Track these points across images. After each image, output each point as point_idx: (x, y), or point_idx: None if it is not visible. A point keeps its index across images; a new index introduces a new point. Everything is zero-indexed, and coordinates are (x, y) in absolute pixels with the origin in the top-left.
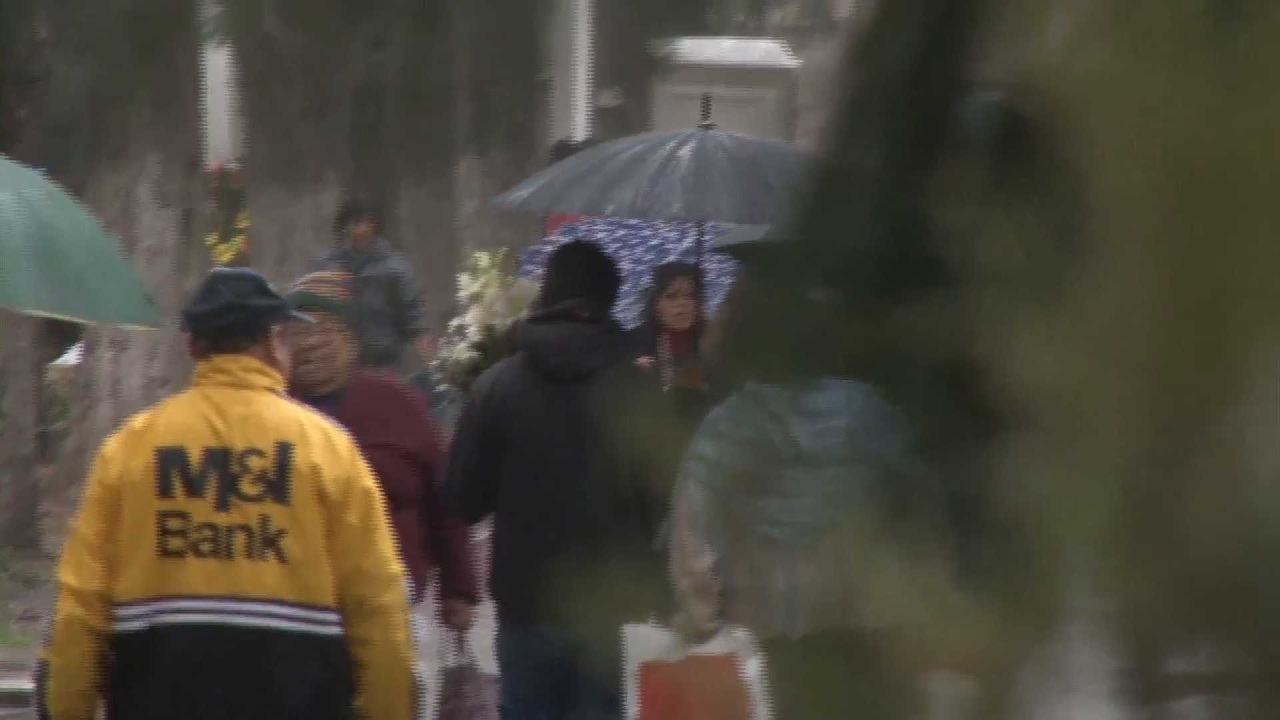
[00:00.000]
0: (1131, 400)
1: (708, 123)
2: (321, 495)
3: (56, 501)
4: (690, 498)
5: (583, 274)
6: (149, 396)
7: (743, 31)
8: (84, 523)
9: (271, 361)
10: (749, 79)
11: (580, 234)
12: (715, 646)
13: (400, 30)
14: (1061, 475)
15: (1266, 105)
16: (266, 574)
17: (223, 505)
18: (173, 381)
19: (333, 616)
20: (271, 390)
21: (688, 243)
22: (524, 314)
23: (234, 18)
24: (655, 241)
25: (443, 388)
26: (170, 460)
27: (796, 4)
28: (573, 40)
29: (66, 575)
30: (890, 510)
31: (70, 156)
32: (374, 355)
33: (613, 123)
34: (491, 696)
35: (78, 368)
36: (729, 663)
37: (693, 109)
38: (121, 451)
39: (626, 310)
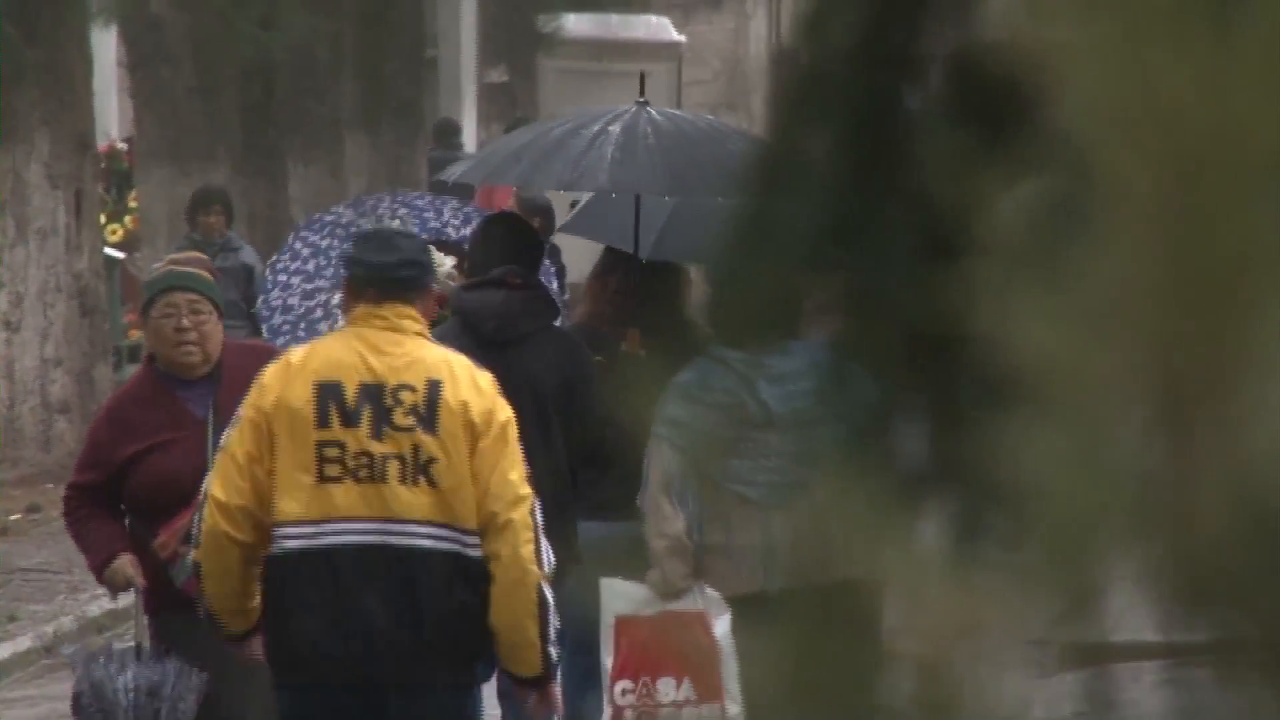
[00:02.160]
0: (1125, 374)
1: (643, 99)
2: (469, 427)
3: None
4: (663, 460)
5: (509, 242)
6: (43, 377)
7: (628, 6)
8: (235, 443)
9: (426, 313)
10: (635, 54)
11: (366, 208)
12: (688, 603)
13: (287, 9)
14: (1052, 444)
15: (1266, 76)
16: (419, 498)
17: (377, 435)
18: (66, 362)
19: (477, 540)
20: (421, 335)
21: (469, 230)
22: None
23: None
24: (435, 224)
25: None
26: (328, 393)
27: None
28: (459, 17)
29: (215, 489)
30: (858, 468)
31: None
32: None
33: (500, 99)
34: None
35: None
36: (701, 619)
37: (580, 84)
38: (278, 381)
39: None
